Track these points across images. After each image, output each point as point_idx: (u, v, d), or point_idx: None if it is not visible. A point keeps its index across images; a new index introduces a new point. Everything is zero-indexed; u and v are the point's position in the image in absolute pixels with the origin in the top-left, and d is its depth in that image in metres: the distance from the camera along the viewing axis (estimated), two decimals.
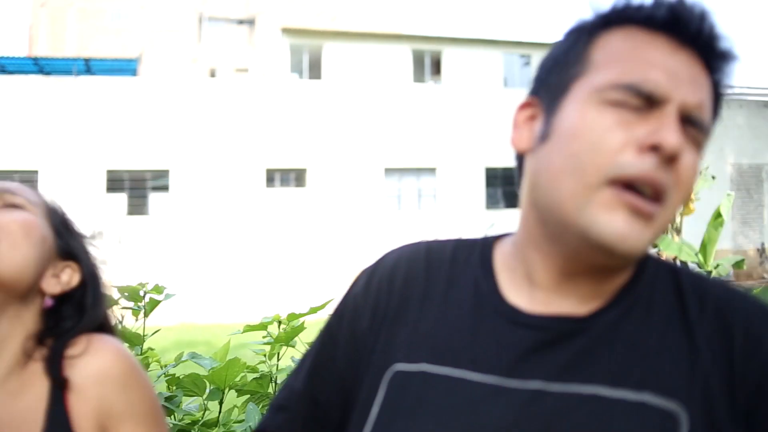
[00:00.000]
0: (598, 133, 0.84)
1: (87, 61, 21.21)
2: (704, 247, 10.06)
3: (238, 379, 2.09)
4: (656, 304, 0.91)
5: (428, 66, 25.95)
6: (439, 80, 25.77)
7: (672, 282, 0.93)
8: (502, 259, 1.00)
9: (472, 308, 0.95)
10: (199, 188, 17.96)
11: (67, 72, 20.40)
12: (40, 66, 21.15)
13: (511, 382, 0.87)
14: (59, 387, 1.17)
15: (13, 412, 1.15)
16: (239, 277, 17.84)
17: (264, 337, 2.27)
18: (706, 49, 0.88)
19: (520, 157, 0.98)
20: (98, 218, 17.16)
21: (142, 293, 2.12)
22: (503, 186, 20.73)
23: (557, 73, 0.92)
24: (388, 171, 19.42)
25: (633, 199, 0.82)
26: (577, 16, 0.94)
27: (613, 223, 0.82)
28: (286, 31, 25.03)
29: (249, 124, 18.35)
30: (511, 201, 20.13)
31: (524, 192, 0.96)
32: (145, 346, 2.23)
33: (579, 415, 0.83)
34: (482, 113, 20.28)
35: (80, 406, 1.17)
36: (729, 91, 0.93)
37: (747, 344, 0.86)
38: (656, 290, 0.92)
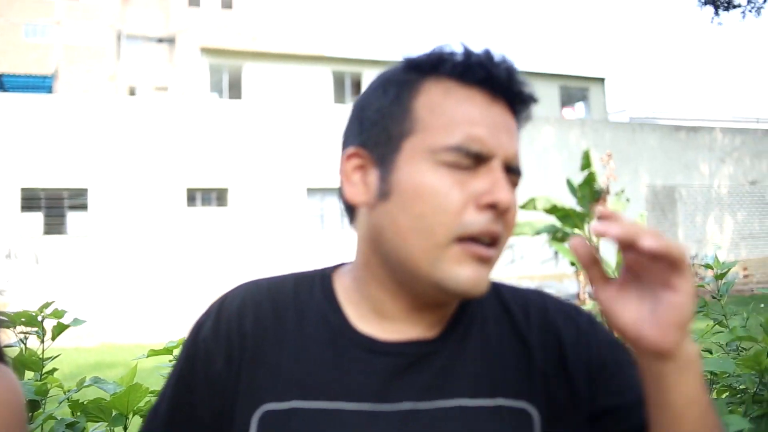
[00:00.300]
0: (440, 196, 0.91)
1: (0, 77, 20.68)
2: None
3: (142, 403, 2.07)
4: (488, 319, 1.02)
5: (348, 87, 26.07)
6: None
7: (495, 296, 1.05)
8: (344, 292, 1.04)
9: (329, 342, 0.99)
10: (118, 207, 17.59)
11: None
12: None
13: (384, 407, 0.94)
14: None
15: None
16: (160, 297, 17.52)
17: (170, 360, 2.25)
18: (514, 98, 0.97)
19: (351, 206, 1.03)
20: (13, 238, 16.68)
21: (40, 318, 2.07)
22: None
23: (383, 127, 0.97)
24: (311, 191, 19.38)
25: (477, 250, 0.92)
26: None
27: (464, 273, 0.91)
28: (206, 50, 24.84)
29: (169, 142, 18.10)
30: None
31: (363, 239, 1.02)
32: (62, 367, 2.19)
33: (450, 426, 0.93)
34: None
35: None
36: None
37: (570, 335, 1.01)
38: (485, 307, 1.04)
